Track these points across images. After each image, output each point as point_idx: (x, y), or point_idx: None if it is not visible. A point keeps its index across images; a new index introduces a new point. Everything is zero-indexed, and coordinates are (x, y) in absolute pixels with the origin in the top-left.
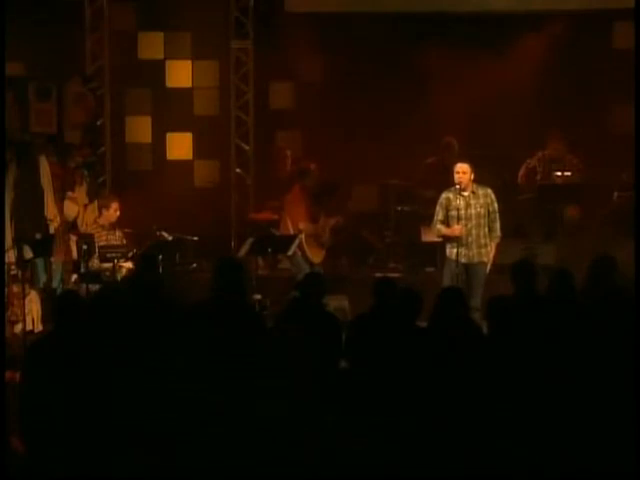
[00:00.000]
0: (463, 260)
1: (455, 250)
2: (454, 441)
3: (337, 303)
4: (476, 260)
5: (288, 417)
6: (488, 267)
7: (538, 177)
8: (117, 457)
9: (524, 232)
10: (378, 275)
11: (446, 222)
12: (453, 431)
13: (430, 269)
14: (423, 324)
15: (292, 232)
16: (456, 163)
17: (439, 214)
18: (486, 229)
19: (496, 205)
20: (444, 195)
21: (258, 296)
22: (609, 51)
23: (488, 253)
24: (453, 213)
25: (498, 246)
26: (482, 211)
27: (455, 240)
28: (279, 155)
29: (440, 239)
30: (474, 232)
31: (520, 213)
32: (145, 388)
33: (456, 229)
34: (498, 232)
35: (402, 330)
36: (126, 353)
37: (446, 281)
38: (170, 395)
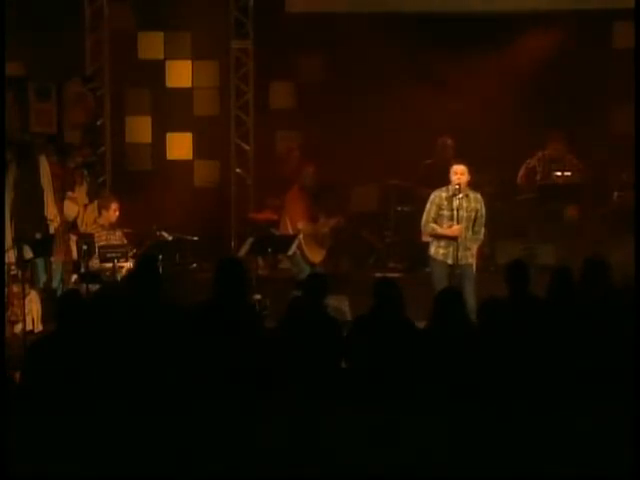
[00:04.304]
0: (449, 261)
1: (442, 250)
2: (454, 441)
3: (336, 303)
4: (464, 262)
5: (288, 416)
6: (474, 269)
7: (538, 177)
8: (117, 457)
9: (524, 232)
10: (378, 275)
11: (435, 221)
12: (452, 431)
13: (430, 269)
14: (423, 324)
15: (291, 232)
16: (453, 163)
17: (431, 212)
18: (470, 232)
19: (484, 211)
20: (437, 193)
21: (258, 296)
22: (609, 51)
23: (473, 255)
24: (445, 213)
25: (480, 248)
26: (471, 215)
27: (445, 240)
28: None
29: (430, 239)
30: (462, 234)
31: (520, 213)
32: (145, 388)
33: (455, 229)
34: (481, 235)
35: (402, 330)
36: (126, 353)
37: (437, 282)
38: (170, 395)
